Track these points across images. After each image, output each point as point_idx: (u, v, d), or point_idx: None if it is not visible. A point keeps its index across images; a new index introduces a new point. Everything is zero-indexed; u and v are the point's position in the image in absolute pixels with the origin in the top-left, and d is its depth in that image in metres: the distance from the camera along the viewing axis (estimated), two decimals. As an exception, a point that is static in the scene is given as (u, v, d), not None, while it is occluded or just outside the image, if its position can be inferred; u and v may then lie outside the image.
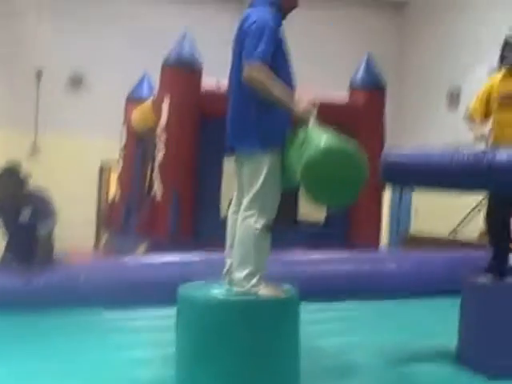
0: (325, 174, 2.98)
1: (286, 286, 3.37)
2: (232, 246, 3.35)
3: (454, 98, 12.70)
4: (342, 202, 3.21)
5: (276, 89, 3.13)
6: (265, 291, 3.18)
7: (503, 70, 4.16)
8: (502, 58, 4.16)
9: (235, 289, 3.22)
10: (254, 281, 3.17)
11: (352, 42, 13.33)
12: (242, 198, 3.32)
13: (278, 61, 3.27)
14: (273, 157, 3.22)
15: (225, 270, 3.47)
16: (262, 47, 3.14)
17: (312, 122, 3.15)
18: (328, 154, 2.97)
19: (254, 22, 3.24)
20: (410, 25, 14.42)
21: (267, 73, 3.12)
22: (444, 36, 13.09)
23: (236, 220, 3.35)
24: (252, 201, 3.22)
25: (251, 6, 3.47)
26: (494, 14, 11.68)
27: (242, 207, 3.26)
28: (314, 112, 3.19)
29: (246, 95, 3.25)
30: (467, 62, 12.37)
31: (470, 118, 4.23)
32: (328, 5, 13.68)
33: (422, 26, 13.94)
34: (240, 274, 3.19)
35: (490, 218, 4.10)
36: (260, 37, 3.17)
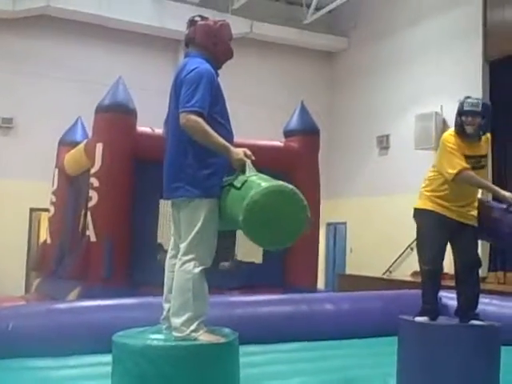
0: (266, 216, 2.98)
1: (226, 330, 3.32)
2: (170, 291, 3.30)
3: (383, 143, 13.12)
4: (283, 243, 3.18)
5: (213, 136, 3.15)
6: (204, 337, 3.12)
7: (457, 134, 4.16)
8: (462, 128, 4.13)
9: (174, 334, 3.15)
10: (194, 326, 3.12)
11: (286, 89, 13.65)
12: (180, 242, 3.29)
13: (218, 109, 3.31)
14: (210, 203, 3.22)
15: (163, 315, 3.39)
16: (198, 96, 3.17)
17: (249, 167, 3.17)
18: (269, 195, 2.98)
19: (192, 70, 3.27)
20: (340, 74, 14.91)
21: (203, 121, 3.14)
22: (372, 84, 13.60)
23: (174, 265, 3.30)
24: (189, 246, 3.19)
25: (187, 56, 3.50)
26: (417, 68, 12.29)
27: (180, 252, 3.23)
28: (249, 159, 3.20)
29: (183, 143, 3.26)
30: (395, 110, 12.87)
31: (466, 171, 4.06)
32: (262, 53, 14.00)
33: (351, 76, 14.43)
34: (179, 320, 3.13)
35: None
36: (197, 86, 3.19)
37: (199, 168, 3.23)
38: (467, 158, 4.11)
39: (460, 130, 4.14)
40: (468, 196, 4.18)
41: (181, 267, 3.19)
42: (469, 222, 4.13)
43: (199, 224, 3.18)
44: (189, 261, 3.17)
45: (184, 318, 3.11)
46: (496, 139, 10.66)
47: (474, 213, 4.16)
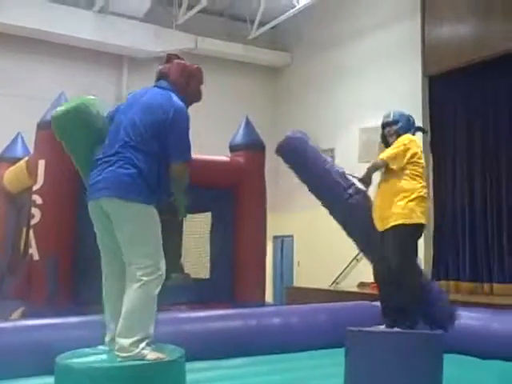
0: None
1: (172, 347, 3.28)
2: (115, 310, 3.24)
3: (328, 156, 13.28)
4: None
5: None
6: (152, 355, 3.08)
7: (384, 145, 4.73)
8: (385, 139, 4.70)
9: (120, 354, 3.08)
10: (143, 345, 3.07)
11: (231, 105, 13.68)
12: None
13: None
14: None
15: (109, 335, 3.32)
16: (188, 147, 3.40)
17: None
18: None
19: (180, 111, 3.35)
20: (285, 88, 15.07)
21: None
22: (316, 99, 13.79)
23: (115, 282, 3.27)
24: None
25: (158, 85, 3.53)
26: (360, 82, 12.55)
27: (141, 272, 3.14)
28: None
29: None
30: (339, 124, 13.07)
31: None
32: (207, 69, 13.96)
33: (295, 90, 14.61)
34: (128, 341, 3.05)
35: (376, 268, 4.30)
36: (187, 134, 3.39)
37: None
38: None
39: (384, 142, 4.69)
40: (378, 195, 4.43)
41: (140, 288, 3.11)
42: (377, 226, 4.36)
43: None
44: (151, 281, 3.12)
45: (134, 338, 3.05)
46: (434, 152, 11.07)
47: (382, 215, 4.30)
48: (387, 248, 4.18)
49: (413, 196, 4.24)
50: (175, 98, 3.40)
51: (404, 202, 4.21)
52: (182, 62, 3.58)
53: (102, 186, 3.18)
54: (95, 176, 3.25)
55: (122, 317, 3.12)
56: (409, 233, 4.18)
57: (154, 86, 3.55)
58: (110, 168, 3.19)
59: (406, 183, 4.29)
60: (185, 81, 3.51)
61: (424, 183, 4.39)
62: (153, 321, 3.16)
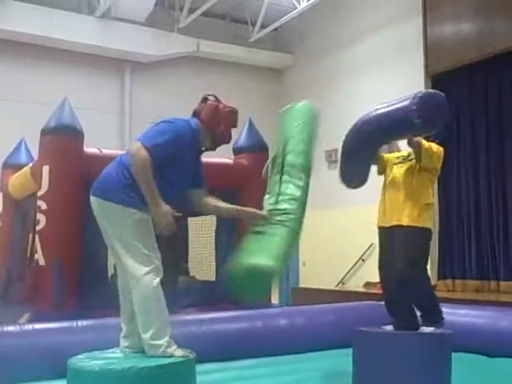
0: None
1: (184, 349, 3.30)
2: (123, 310, 3.29)
3: (332, 157, 13.28)
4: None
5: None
6: (178, 352, 3.18)
7: None
8: None
9: (148, 352, 3.16)
10: (165, 341, 3.16)
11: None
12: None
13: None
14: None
15: (121, 335, 3.35)
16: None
17: None
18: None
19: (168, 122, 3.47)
20: (287, 90, 15.06)
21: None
22: (319, 100, 13.75)
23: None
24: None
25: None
26: (363, 83, 12.54)
27: (132, 270, 3.20)
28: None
29: None
30: (342, 124, 12.95)
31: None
32: (209, 71, 14.01)
33: (297, 92, 14.57)
34: (147, 335, 3.16)
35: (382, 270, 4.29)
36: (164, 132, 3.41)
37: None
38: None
39: None
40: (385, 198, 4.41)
41: (138, 283, 3.18)
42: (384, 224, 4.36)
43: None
44: (146, 274, 3.18)
45: (151, 331, 3.13)
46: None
47: (390, 212, 4.29)
48: (397, 250, 4.16)
49: (423, 201, 4.25)
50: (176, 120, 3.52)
51: (414, 205, 4.21)
52: (216, 103, 3.68)
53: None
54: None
55: (137, 315, 3.22)
56: (417, 236, 4.16)
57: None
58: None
59: (420, 187, 4.30)
60: (215, 122, 3.61)
61: (432, 191, 4.39)
62: (163, 310, 3.24)
